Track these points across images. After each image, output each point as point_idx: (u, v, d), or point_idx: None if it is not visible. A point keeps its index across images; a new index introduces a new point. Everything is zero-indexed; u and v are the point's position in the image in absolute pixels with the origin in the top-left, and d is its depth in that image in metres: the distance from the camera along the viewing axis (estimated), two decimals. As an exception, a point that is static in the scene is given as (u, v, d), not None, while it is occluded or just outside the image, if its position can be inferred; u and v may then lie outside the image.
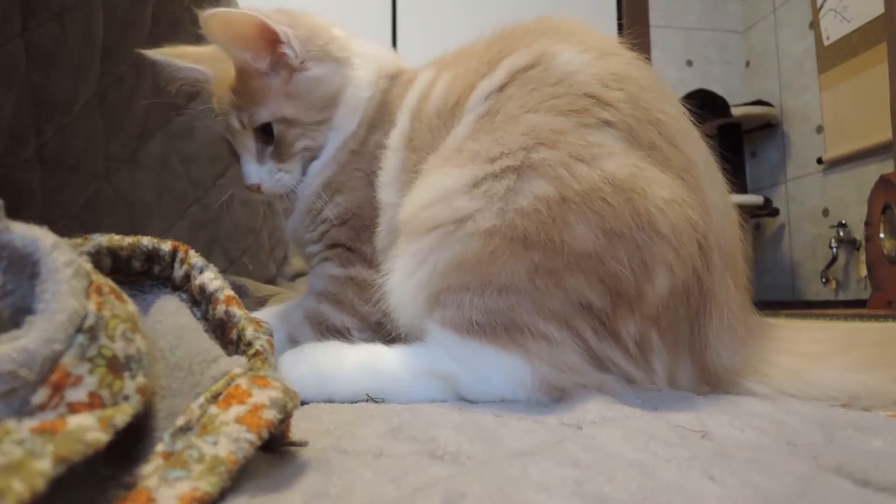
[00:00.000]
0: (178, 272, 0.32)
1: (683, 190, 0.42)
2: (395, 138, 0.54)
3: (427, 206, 0.44)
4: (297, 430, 0.30)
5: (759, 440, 0.33)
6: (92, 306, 0.23)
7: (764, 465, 0.28)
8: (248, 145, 0.58)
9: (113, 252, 0.31)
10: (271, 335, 0.36)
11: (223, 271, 0.98)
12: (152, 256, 0.32)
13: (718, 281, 0.43)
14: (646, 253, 0.40)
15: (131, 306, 0.27)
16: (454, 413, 0.40)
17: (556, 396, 0.41)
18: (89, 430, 0.20)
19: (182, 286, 0.32)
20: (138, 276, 0.32)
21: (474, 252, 0.41)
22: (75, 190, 0.76)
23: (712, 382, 0.45)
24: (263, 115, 0.56)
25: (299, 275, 1.18)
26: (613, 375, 0.43)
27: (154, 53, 0.59)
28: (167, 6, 0.85)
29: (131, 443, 0.24)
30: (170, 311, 0.31)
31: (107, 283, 0.26)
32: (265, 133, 0.57)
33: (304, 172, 0.58)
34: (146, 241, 0.32)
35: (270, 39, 0.54)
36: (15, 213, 0.77)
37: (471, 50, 0.55)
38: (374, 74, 0.59)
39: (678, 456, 0.29)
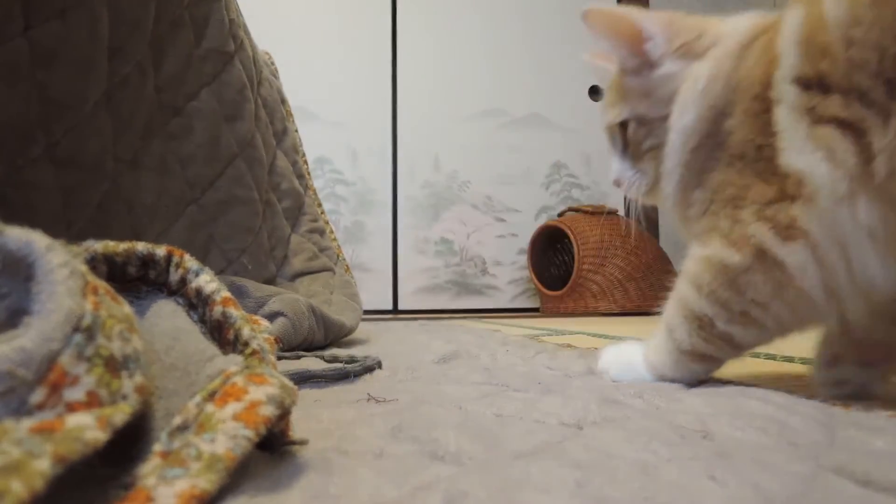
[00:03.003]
0: (174, 276, 0.32)
1: None
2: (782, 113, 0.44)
3: None
4: (297, 430, 0.30)
5: (760, 440, 0.33)
6: (88, 306, 0.23)
7: (765, 465, 0.28)
8: (615, 141, 0.59)
9: (108, 258, 0.31)
10: (270, 334, 0.35)
11: (221, 272, 0.99)
12: (147, 262, 0.32)
13: None
14: None
15: (127, 307, 0.26)
16: (455, 413, 0.40)
17: None
18: (88, 429, 0.20)
19: (178, 290, 0.32)
20: (134, 281, 0.32)
21: None
22: (91, 191, 0.77)
23: None
24: (624, 112, 0.57)
25: (299, 275, 1.18)
26: None
27: (590, 59, 0.63)
28: (168, 6, 0.85)
29: (129, 443, 0.24)
30: (166, 313, 0.31)
31: (102, 284, 0.26)
32: (626, 131, 0.58)
33: (656, 175, 0.56)
34: (141, 246, 0.32)
35: (638, 36, 0.54)
36: (32, 212, 0.77)
37: None
38: (713, 60, 0.51)
39: (679, 456, 0.29)
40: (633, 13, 0.54)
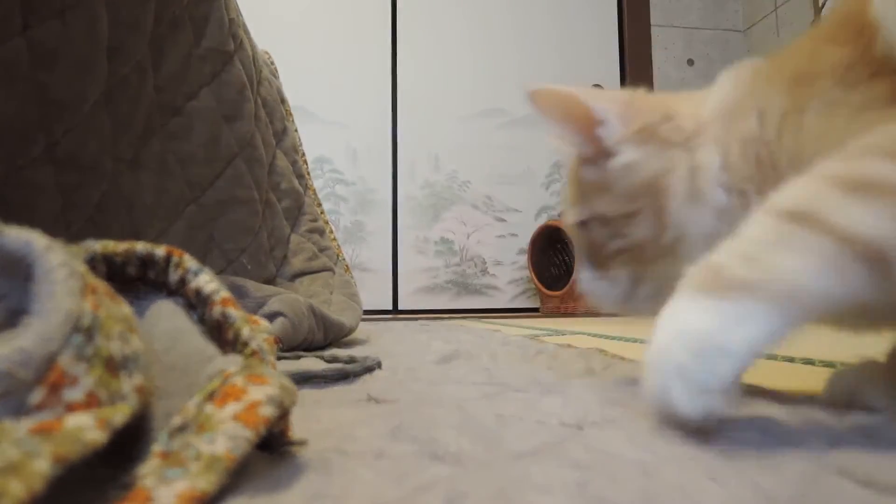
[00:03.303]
0: (173, 277, 0.32)
1: None
2: None
3: None
4: (297, 430, 0.30)
5: (762, 440, 0.33)
6: (88, 306, 0.23)
7: (766, 465, 0.28)
8: (579, 244, 0.50)
9: (107, 258, 0.31)
10: (269, 334, 0.35)
11: (221, 272, 0.99)
12: (147, 262, 0.32)
13: None
14: None
15: (126, 308, 0.26)
16: (455, 413, 0.39)
17: None
18: (88, 429, 0.20)
19: (177, 290, 0.32)
20: (133, 281, 0.32)
21: None
22: (90, 191, 0.77)
23: None
24: (584, 212, 0.48)
25: (299, 274, 1.18)
26: None
27: (557, 142, 0.52)
28: (167, 6, 0.84)
29: (129, 443, 0.24)
30: (165, 314, 0.31)
31: (101, 284, 0.25)
32: (589, 232, 0.49)
33: (633, 287, 0.46)
34: (140, 246, 0.32)
35: (589, 120, 0.46)
36: (31, 212, 0.77)
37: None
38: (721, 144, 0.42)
39: (680, 456, 0.29)
40: (583, 93, 0.46)
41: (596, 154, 0.47)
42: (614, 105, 0.46)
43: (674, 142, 0.44)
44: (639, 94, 0.48)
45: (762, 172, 0.39)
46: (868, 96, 0.35)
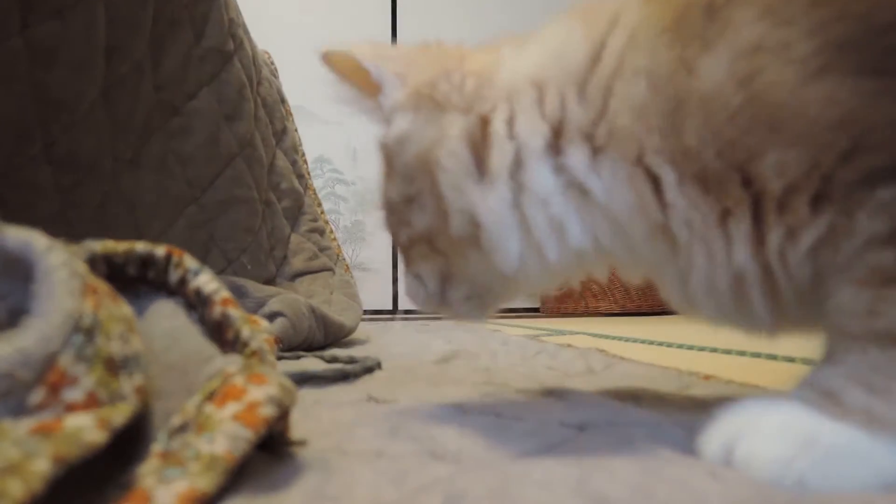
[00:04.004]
0: (173, 276, 0.32)
1: None
2: None
3: None
4: (296, 430, 0.30)
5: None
6: (88, 306, 0.23)
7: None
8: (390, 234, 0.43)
9: (108, 258, 0.31)
10: (270, 334, 0.35)
11: (221, 272, 0.99)
12: (147, 262, 0.32)
13: None
14: None
15: (126, 308, 0.26)
16: (455, 413, 0.39)
17: None
18: (87, 429, 0.20)
19: (177, 290, 0.32)
20: (133, 281, 0.32)
21: None
22: (90, 190, 0.77)
23: None
24: (379, 197, 0.41)
25: (299, 274, 1.18)
26: None
27: None
28: (167, 5, 0.84)
29: (128, 443, 0.24)
30: (165, 314, 0.31)
31: (101, 284, 0.25)
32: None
33: (443, 286, 0.39)
34: (140, 246, 0.32)
35: (370, 84, 0.39)
36: (32, 211, 0.77)
37: None
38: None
39: (680, 455, 0.29)
40: (362, 51, 0.38)
41: (383, 125, 0.39)
42: (393, 64, 0.38)
43: (451, 104, 0.35)
44: (432, 48, 0.39)
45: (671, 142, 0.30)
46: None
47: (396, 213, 0.39)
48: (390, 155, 0.38)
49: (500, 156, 0.34)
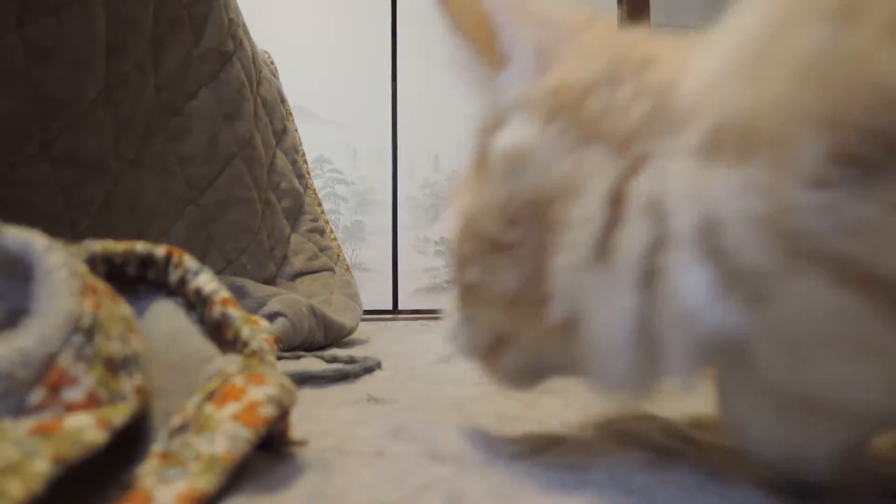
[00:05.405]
0: (173, 277, 0.32)
1: None
2: None
3: None
4: (296, 430, 0.30)
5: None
6: (88, 306, 0.23)
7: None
8: (454, 254, 0.31)
9: (107, 258, 0.31)
10: (270, 334, 0.35)
11: (221, 272, 0.99)
12: (147, 262, 0.32)
13: None
14: None
15: (126, 308, 0.26)
16: (455, 413, 0.40)
17: None
18: (88, 429, 0.20)
19: (177, 290, 0.32)
20: (133, 281, 0.32)
21: None
22: (93, 189, 0.77)
23: None
24: (458, 210, 0.29)
25: (299, 274, 1.18)
26: None
27: None
28: (167, 5, 0.84)
29: (128, 443, 0.24)
30: (164, 314, 0.31)
31: (101, 284, 0.25)
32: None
33: (497, 347, 0.29)
34: (140, 246, 0.32)
35: (495, 48, 0.27)
36: (32, 211, 0.77)
37: None
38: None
39: (681, 454, 0.29)
40: (504, 3, 0.26)
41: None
42: (538, 33, 0.25)
43: (604, 133, 0.22)
44: (600, 28, 0.26)
45: None
46: None
47: (474, 242, 0.27)
48: (491, 165, 0.26)
49: (632, 235, 0.21)
